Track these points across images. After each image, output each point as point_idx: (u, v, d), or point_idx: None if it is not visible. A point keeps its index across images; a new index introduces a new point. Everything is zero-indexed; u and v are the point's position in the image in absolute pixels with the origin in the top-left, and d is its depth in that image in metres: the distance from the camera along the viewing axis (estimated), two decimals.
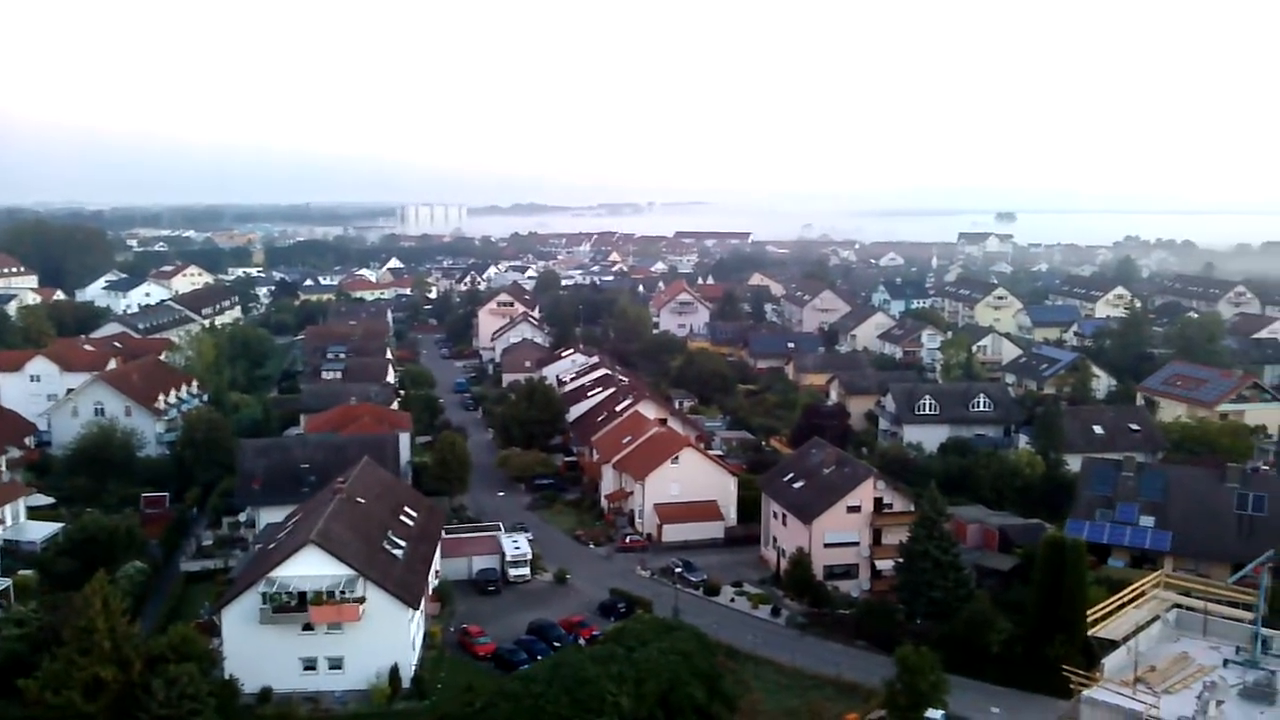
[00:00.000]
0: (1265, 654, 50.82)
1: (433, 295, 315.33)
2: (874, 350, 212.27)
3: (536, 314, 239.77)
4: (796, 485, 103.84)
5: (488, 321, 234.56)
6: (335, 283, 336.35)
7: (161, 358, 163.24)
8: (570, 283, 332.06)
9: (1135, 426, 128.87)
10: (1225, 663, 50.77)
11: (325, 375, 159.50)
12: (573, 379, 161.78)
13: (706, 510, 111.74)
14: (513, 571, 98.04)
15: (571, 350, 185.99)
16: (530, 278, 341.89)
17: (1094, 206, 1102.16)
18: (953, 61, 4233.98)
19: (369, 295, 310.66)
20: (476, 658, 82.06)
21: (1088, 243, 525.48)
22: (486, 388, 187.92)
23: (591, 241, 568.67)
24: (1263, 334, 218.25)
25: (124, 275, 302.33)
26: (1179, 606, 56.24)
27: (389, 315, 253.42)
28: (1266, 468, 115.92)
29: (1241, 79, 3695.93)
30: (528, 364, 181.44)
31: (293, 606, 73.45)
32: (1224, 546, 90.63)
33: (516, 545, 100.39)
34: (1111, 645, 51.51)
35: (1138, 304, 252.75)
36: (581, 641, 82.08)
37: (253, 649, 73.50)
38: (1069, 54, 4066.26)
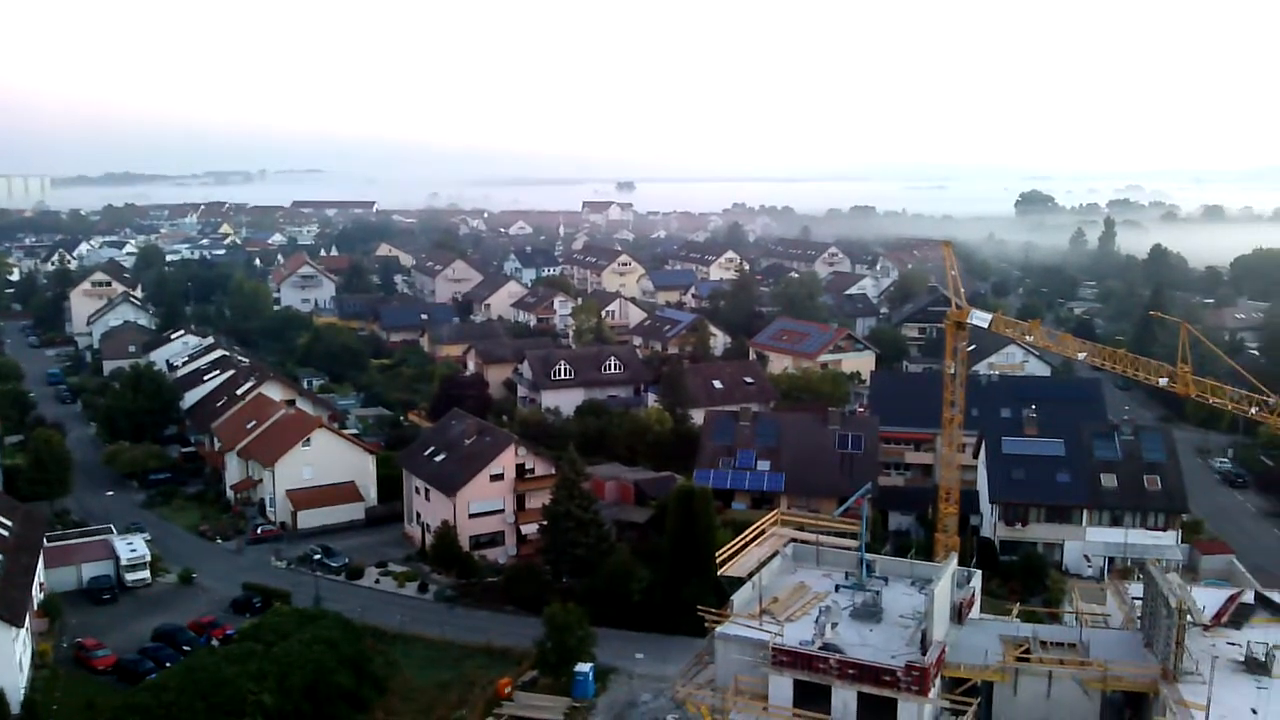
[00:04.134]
0: (870, 577, 56.47)
1: (14, 277, 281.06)
2: (509, 319, 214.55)
3: (139, 294, 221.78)
4: (438, 458, 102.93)
5: (82, 304, 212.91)
6: None
7: None
8: (176, 258, 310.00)
9: (749, 379, 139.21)
10: (837, 588, 55.87)
11: None
12: (185, 363, 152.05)
13: (344, 492, 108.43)
14: (130, 576, 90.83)
15: (182, 332, 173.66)
16: (130, 254, 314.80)
17: (704, 175, 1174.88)
18: (565, 34, 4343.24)
19: None
20: (96, 672, 75.70)
21: (700, 210, 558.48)
22: (85, 377, 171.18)
23: (198, 213, 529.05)
24: (853, 290, 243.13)
25: None
26: (795, 541, 61.25)
27: None
28: (861, 410, 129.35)
29: (818, 62, 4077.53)
30: (132, 349, 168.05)
31: None
32: (830, 483, 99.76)
33: (132, 547, 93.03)
34: (739, 582, 55.10)
35: (746, 266, 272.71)
36: (215, 642, 77.76)
37: None
38: (671, 40, 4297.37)
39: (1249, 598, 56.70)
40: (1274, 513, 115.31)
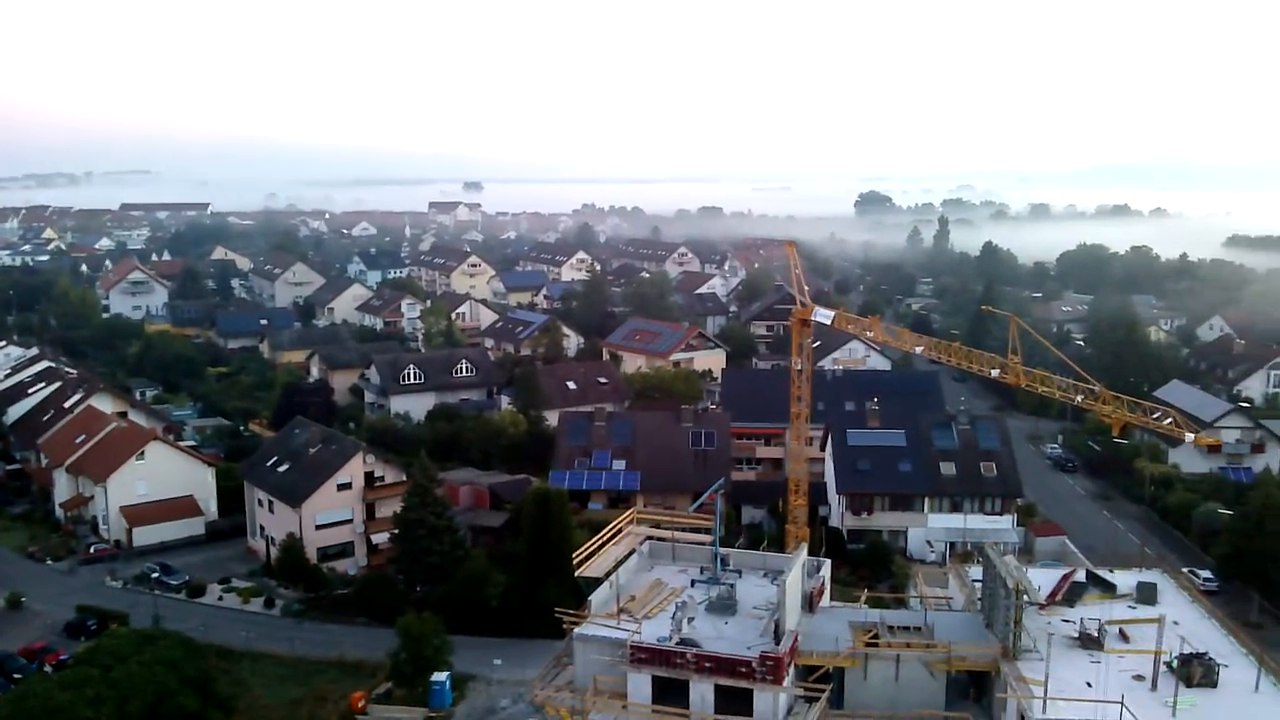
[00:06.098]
0: (724, 570, 57.19)
1: None
2: (354, 323, 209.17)
3: None
4: (281, 468, 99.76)
5: None
6: None
7: None
8: None
9: (603, 379, 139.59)
10: (692, 583, 56.41)
11: None
12: (8, 375, 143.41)
13: (182, 506, 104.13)
14: None
15: (3, 343, 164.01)
16: None
17: (553, 176, 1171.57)
18: (405, 29, 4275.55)
19: None
20: None
21: (550, 210, 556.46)
22: None
23: (19, 217, 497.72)
24: (703, 289, 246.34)
25: None
26: (651, 538, 61.62)
27: None
28: (713, 407, 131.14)
29: (665, 66, 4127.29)
30: None
31: None
32: (684, 479, 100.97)
33: None
34: (597, 582, 55.06)
35: (598, 267, 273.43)
36: (48, 669, 73.90)
37: None
38: (516, 40, 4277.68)
39: (1081, 576, 59.81)
40: (1102, 495, 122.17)
